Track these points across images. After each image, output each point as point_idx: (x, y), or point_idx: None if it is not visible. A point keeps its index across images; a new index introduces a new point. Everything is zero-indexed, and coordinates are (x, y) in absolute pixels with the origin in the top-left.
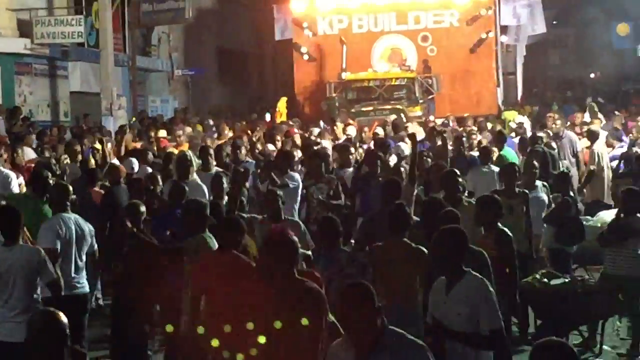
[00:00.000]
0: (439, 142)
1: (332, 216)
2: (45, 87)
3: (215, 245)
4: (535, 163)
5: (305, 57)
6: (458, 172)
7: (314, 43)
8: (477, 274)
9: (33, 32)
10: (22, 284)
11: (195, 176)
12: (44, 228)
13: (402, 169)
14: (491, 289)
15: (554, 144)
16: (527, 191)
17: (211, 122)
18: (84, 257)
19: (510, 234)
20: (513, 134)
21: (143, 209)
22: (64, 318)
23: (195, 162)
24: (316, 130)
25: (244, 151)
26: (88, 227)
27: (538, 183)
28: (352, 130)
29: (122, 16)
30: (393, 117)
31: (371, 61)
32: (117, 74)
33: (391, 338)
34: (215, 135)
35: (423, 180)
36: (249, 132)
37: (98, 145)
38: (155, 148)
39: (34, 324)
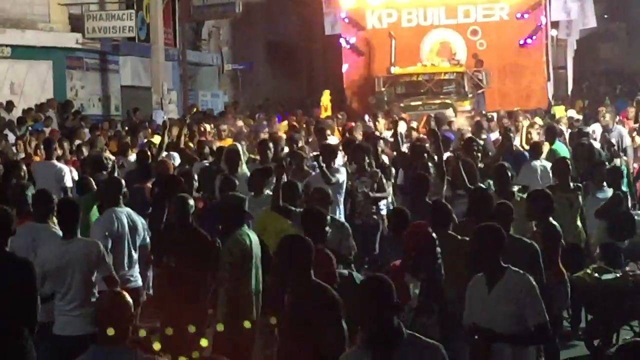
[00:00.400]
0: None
1: (402, 207)
2: (97, 81)
3: (248, 241)
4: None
5: (347, 46)
6: (509, 166)
7: (363, 37)
8: (518, 270)
9: (85, 26)
10: (80, 277)
11: (244, 169)
12: (95, 224)
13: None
14: (534, 283)
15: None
16: (580, 185)
17: (262, 116)
18: (136, 251)
19: (559, 229)
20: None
21: (192, 202)
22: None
23: (245, 155)
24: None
25: (300, 144)
26: (140, 221)
27: None
28: (402, 127)
29: (172, 11)
30: (449, 111)
31: (420, 55)
32: (167, 68)
33: (408, 339)
34: (267, 129)
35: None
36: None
37: (156, 139)
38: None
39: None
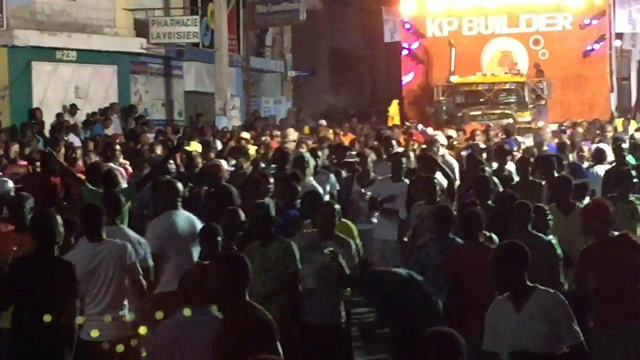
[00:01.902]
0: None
1: (446, 205)
2: (160, 86)
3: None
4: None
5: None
6: (571, 178)
7: (422, 45)
8: (547, 289)
9: (149, 32)
10: (111, 281)
11: (310, 178)
12: (149, 229)
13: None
14: (565, 301)
15: None
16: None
17: (324, 123)
18: (195, 255)
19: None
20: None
21: (242, 217)
22: None
23: (312, 163)
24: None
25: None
26: (199, 225)
27: None
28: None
29: (237, 17)
30: (506, 121)
31: (480, 64)
32: (231, 74)
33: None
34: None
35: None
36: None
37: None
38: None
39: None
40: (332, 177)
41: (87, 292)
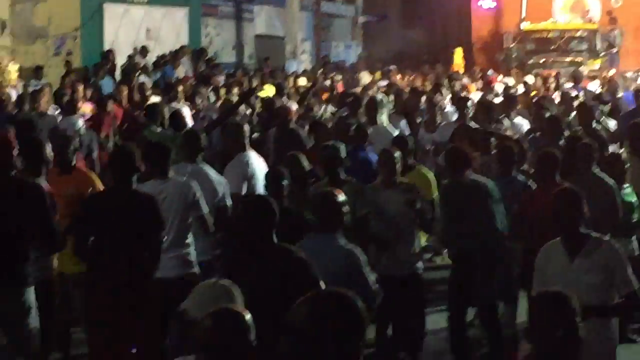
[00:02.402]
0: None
1: (510, 144)
2: (231, 30)
3: None
4: None
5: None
6: None
7: None
8: (601, 236)
9: None
10: (175, 218)
11: (384, 120)
12: (228, 170)
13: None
14: (621, 249)
15: None
16: None
17: (394, 68)
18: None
19: None
20: None
21: (305, 163)
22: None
23: (387, 106)
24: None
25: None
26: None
27: None
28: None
29: None
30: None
31: (552, 11)
32: (301, 18)
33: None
34: (385, 82)
35: None
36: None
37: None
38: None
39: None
40: (403, 121)
41: None
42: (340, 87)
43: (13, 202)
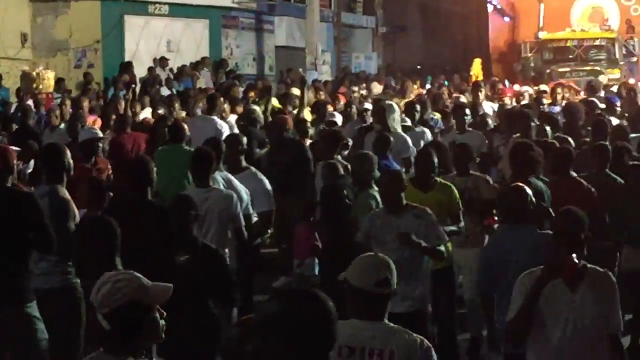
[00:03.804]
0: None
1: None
2: (251, 41)
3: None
4: None
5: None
6: None
7: (510, 1)
8: (597, 267)
9: None
10: (216, 228)
11: (398, 128)
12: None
13: None
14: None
15: None
16: None
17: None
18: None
19: None
20: None
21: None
22: None
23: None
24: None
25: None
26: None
27: None
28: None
29: None
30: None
31: (570, 20)
32: (322, 29)
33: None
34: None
35: None
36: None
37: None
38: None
39: None
40: (428, 132)
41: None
42: (342, 99)
43: (5, 214)
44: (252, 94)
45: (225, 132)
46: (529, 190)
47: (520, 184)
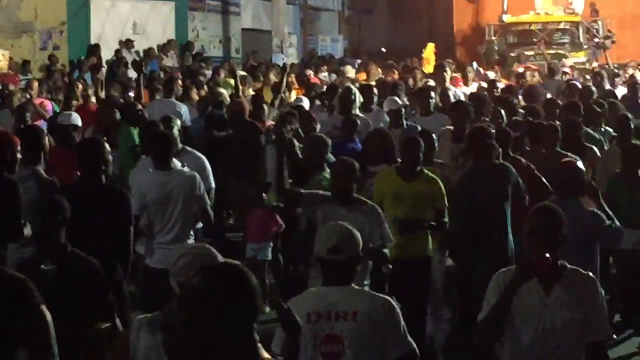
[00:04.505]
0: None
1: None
2: (218, 23)
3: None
4: None
5: None
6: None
7: None
8: (579, 269)
9: None
10: (181, 209)
11: (358, 111)
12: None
13: None
14: (600, 287)
15: None
16: None
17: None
18: None
19: None
20: None
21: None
22: None
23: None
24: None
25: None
26: None
27: None
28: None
29: None
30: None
31: (534, 3)
32: (288, 12)
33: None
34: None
35: None
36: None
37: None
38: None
39: None
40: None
41: (156, 220)
42: (314, 79)
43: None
44: (222, 75)
45: (185, 114)
46: (581, 166)
47: (572, 160)
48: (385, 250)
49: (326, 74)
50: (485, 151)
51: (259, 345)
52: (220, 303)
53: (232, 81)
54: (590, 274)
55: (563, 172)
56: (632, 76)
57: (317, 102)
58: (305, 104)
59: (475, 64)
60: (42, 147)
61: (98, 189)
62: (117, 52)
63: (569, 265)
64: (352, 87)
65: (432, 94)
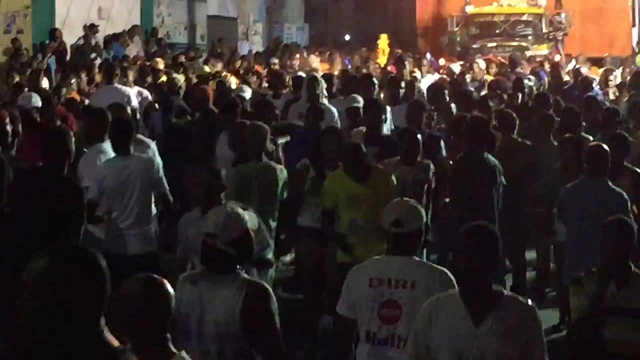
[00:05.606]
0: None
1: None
2: (183, 10)
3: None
4: None
5: None
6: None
7: None
8: (518, 296)
9: None
10: (140, 194)
11: (325, 100)
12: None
13: None
14: (540, 318)
15: None
16: None
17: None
18: None
19: None
20: None
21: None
22: None
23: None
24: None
25: None
26: None
27: None
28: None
29: None
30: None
31: None
32: None
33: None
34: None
35: None
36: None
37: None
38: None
39: None
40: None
41: (115, 206)
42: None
43: None
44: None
45: (133, 99)
46: (607, 148)
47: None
48: (268, 256)
49: (297, 61)
50: (481, 139)
51: (107, 333)
52: (65, 288)
53: (207, 68)
54: (530, 301)
55: (591, 153)
56: (578, 70)
57: (284, 91)
58: (247, 93)
59: (429, 55)
60: (5, 130)
61: (57, 180)
62: (85, 37)
63: (506, 293)
64: (318, 75)
65: (402, 84)
